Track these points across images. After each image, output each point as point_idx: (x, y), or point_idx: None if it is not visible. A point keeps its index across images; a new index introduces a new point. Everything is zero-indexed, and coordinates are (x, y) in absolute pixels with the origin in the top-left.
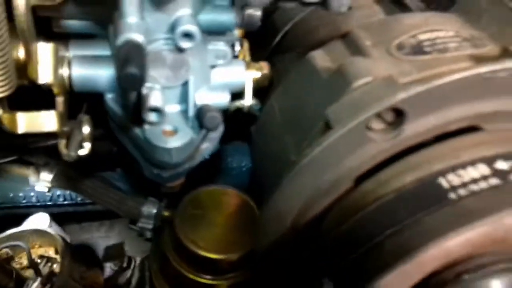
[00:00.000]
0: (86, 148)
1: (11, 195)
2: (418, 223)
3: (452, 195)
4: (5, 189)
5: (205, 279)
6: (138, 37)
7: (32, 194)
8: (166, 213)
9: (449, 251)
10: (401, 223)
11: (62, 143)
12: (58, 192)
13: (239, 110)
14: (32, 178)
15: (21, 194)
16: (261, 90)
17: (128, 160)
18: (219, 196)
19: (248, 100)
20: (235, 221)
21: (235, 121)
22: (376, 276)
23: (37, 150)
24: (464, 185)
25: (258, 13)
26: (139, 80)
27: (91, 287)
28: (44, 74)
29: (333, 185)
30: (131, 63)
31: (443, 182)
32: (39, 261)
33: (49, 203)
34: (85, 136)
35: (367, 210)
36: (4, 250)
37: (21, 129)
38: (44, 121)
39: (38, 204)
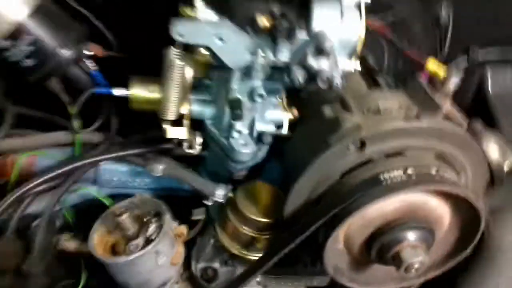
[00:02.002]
0: (197, 149)
1: (124, 179)
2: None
3: (383, 181)
4: (123, 174)
5: (251, 233)
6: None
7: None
8: (230, 194)
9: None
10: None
11: (185, 145)
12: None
13: (278, 136)
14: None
15: (137, 180)
16: (293, 124)
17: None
18: (263, 186)
19: (284, 130)
20: (271, 201)
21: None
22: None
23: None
24: (390, 178)
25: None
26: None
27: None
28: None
29: (329, 177)
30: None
31: (380, 176)
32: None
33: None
34: (198, 143)
35: (341, 191)
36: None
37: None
38: (180, 133)
39: (146, 187)
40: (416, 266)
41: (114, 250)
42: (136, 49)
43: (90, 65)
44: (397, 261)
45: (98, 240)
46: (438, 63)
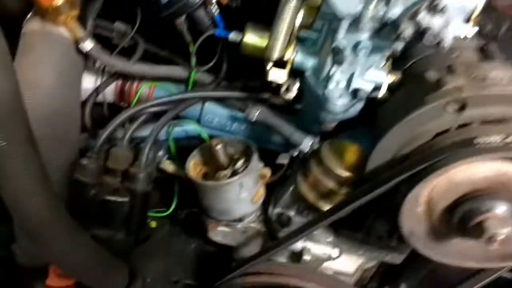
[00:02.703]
0: (293, 94)
1: (223, 122)
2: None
3: (478, 144)
4: (223, 117)
5: (331, 186)
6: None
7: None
8: (316, 146)
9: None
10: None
11: (283, 88)
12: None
13: (374, 98)
14: (246, 111)
15: (234, 124)
16: (393, 89)
17: None
18: (349, 145)
19: (381, 93)
20: (356, 159)
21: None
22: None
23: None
24: (485, 143)
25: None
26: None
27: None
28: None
29: (420, 136)
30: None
31: (475, 139)
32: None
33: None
34: (294, 89)
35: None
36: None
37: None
38: (281, 76)
39: (241, 133)
40: (500, 238)
41: (205, 180)
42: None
43: (214, 9)
44: (478, 231)
45: (193, 166)
46: None
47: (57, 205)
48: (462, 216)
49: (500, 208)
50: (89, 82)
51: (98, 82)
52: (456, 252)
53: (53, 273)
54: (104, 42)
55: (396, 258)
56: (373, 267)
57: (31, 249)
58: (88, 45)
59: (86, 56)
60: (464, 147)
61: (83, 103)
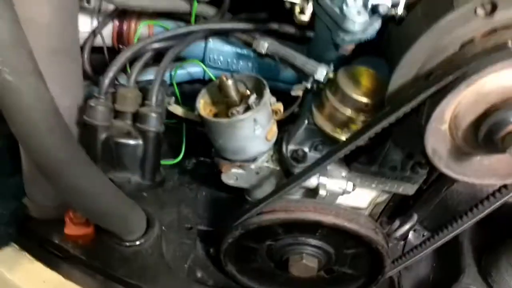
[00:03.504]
0: (308, 16)
1: (230, 60)
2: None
3: (510, 48)
4: (228, 55)
5: (348, 113)
6: None
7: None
8: (331, 74)
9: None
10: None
11: (297, 10)
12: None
13: (393, 17)
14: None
15: (240, 62)
16: (410, 6)
17: None
18: (366, 70)
19: (400, 10)
20: (373, 83)
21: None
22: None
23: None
24: None
25: None
26: None
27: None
28: None
29: (446, 47)
30: None
31: (509, 43)
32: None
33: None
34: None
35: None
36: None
37: None
38: None
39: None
40: None
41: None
42: None
43: None
44: (507, 142)
45: (203, 105)
46: None
47: (73, 143)
48: (489, 129)
49: None
50: (85, 24)
51: (95, 24)
52: (479, 170)
53: (70, 221)
54: None
55: (408, 189)
56: (384, 201)
57: (43, 202)
58: None
59: None
60: (496, 52)
61: (81, 48)
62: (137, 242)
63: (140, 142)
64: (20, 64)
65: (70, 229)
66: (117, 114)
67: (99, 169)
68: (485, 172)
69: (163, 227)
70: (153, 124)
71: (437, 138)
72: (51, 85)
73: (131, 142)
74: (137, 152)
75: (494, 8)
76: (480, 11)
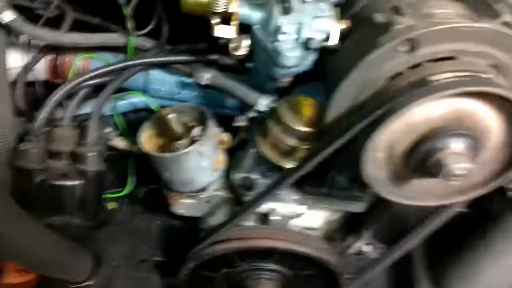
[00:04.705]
0: (243, 51)
1: (172, 90)
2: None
3: (432, 83)
4: (171, 85)
5: (291, 142)
6: None
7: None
8: (273, 104)
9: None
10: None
11: (232, 46)
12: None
13: (324, 48)
14: (195, 75)
15: (183, 91)
16: (344, 37)
17: None
18: (305, 99)
19: (333, 41)
20: (313, 112)
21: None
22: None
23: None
24: (439, 80)
25: None
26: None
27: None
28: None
29: (375, 81)
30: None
31: (429, 78)
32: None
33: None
34: (244, 46)
35: (385, 95)
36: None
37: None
38: (228, 32)
39: (192, 100)
40: (457, 172)
41: (161, 151)
42: None
43: None
44: (437, 168)
45: (147, 139)
46: None
47: (4, 197)
48: (421, 156)
49: (457, 144)
50: (15, 60)
51: (26, 60)
52: (418, 193)
53: (10, 269)
54: (27, 13)
55: (358, 207)
56: (337, 219)
57: None
58: (7, 16)
59: (7, 29)
60: (419, 87)
61: (12, 85)
62: (84, 284)
63: (78, 182)
64: None
65: (12, 278)
66: (53, 154)
67: (32, 219)
68: (424, 194)
69: (115, 263)
70: (92, 163)
71: (375, 166)
72: None
73: (69, 183)
74: (76, 193)
75: (414, 45)
76: (402, 48)
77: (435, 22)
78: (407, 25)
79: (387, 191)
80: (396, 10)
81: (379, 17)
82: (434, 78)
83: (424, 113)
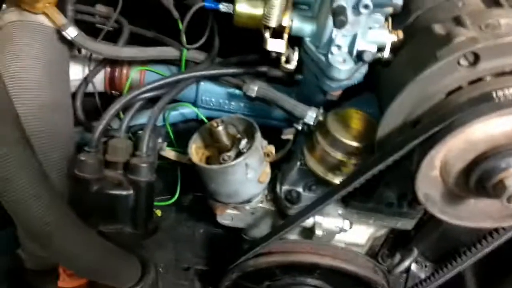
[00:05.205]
0: (294, 65)
1: (221, 101)
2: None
3: (496, 98)
4: (220, 96)
5: (339, 156)
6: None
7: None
8: (321, 117)
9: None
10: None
11: (283, 59)
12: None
13: (379, 59)
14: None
15: (232, 103)
16: (396, 49)
17: None
18: (355, 112)
19: (386, 54)
20: (363, 126)
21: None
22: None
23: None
24: (504, 96)
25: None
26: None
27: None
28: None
29: (432, 96)
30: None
31: (493, 93)
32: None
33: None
34: (295, 59)
35: (443, 111)
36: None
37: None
38: (279, 45)
39: (240, 111)
40: None
41: (208, 163)
42: None
43: None
44: (499, 189)
45: (195, 150)
46: None
47: (60, 205)
48: (480, 176)
49: None
50: (76, 73)
51: (86, 72)
52: (473, 213)
53: (63, 273)
54: (87, 28)
55: (407, 224)
56: (383, 235)
57: (38, 253)
58: (71, 32)
59: (70, 44)
60: (482, 103)
61: (73, 96)
62: None
63: (131, 192)
64: (6, 134)
65: (65, 282)
66: (108, 164)
67: (87, 228)
68: (479, 215)
69: (160, 269)
70: (144, 174)
71: (429, 184)
72: (40, 140)
73: (123, 193)
74: (129, 202)
75: (477, 59)
76: (464, 62)
77: (499, 34)
78: (469, 37)
79: (441, 210)
80: (457, 21)
81: (439, 28)
82: (499, 93)
83: (485, 130)
